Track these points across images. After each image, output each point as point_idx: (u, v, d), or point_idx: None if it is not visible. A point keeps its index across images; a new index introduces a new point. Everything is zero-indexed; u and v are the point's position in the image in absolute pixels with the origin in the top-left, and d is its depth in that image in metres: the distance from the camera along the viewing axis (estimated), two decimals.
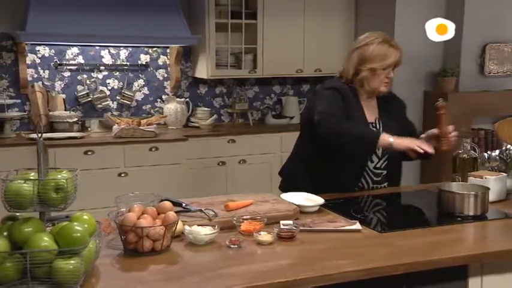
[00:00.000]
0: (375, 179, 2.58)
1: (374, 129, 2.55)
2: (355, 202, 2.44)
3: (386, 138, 2.37)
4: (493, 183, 2.38)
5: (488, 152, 2.63)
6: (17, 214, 1.60)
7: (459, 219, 2.17)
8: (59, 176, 1.57)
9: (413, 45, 4.88)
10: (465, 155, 2.56)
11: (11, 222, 1.56)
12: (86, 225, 1.60)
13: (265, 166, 4.69)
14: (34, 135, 4.19)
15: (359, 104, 2.56)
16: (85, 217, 1.65)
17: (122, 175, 4.25)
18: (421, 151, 2.34)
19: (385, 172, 2.59)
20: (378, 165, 2.57)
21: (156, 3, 4.58)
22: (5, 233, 1.52)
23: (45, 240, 1.48)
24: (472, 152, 2.58)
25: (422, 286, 1.84)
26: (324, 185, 2.49)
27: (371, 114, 2.59)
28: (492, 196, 2.38)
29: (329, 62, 5.17)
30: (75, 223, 1.56)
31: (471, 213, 2.19)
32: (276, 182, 4.86)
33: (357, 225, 2.03)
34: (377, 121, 2.60)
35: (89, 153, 4.19)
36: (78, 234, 1.51)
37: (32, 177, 1.56)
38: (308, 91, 5.61)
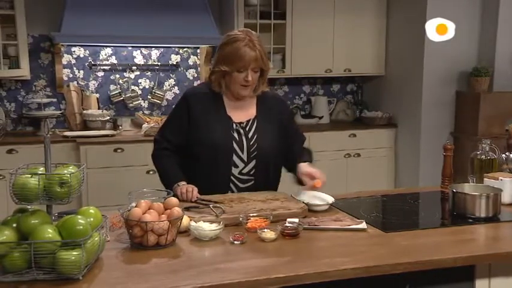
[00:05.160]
0: (240, 186, 2.45)
1: (241, 130, 2.44)
2: (367, 202, 2.44)
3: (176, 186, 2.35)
4: (509, 185, 2.34)
5: (507, 153, 2.57)
6: (28, 207, 1.68)
7: (470, 220, 2.15)
8: (65, 171, 1.64)
9: (445, 45, 4.82)
10: (483, 156, 2.53)
11: (20, 214, 1.64)
12: (91, 219, 1.67)
13: None
14: (68, 133, 4.36)
15: (222, 105, 2.45)
16: (91, 211, 1.72)
17: (151, 172, 4.33)
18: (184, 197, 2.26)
19: (253, 178, 2.46)
20: (244, 171, 2.44)
21: (186, 5, 4.67)
22: (14, 225, 1.60)
23: (49, 232, 1.54)
24: (491, 153, 2.54)
25: (427, 286, 1.83)
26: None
27: (243, 114, 2.47)
28: (508, 198, 2.34)
29: (359, 62, 5.16)
30: (79, 216, 1.62)
31: (483, 215, 2.16)
32: None
33: (363, 225, 2.03)
34: (250, 122, 2.48)
35: (119, 150, 4.30)
36: (81, 227, 1.57)
37: (39, 172, 1.63)
38: (338, 91, 5.59)
